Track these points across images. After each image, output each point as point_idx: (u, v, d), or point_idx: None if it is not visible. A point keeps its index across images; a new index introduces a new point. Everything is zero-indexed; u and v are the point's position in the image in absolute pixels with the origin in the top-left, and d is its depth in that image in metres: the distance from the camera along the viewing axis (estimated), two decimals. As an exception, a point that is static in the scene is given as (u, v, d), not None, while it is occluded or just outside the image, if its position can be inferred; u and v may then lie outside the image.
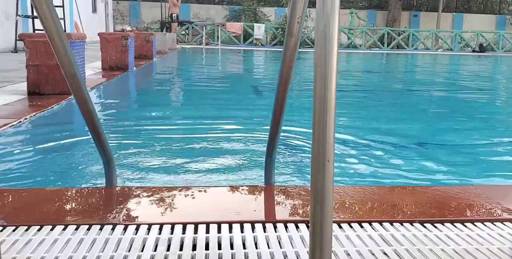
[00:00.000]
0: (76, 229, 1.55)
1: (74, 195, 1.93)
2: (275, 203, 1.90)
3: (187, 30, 21.72)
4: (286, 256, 1.42)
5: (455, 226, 1.65)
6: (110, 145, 1.92)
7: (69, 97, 4.65)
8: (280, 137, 1.97)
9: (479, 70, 13.95)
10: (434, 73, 12.51)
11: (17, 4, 11.06)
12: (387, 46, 23.14)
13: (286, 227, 1.60)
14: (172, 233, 1.54)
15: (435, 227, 1.65)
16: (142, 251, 1.42)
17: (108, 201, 1.89)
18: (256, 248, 1.46)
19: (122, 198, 1.88)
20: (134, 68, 8.73)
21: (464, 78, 11.10)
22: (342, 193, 1.94)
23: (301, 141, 3.58)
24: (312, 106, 0.86)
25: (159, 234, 1.53)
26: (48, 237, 1.49)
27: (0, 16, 11.17)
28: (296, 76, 8.53)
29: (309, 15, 21.33)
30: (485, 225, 1.67)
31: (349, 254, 1.43)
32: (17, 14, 11.04)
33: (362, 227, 1.63)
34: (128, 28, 20.11)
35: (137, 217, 1.67)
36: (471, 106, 6.38)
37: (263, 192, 2.00)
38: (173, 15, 20.23)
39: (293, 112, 4.79)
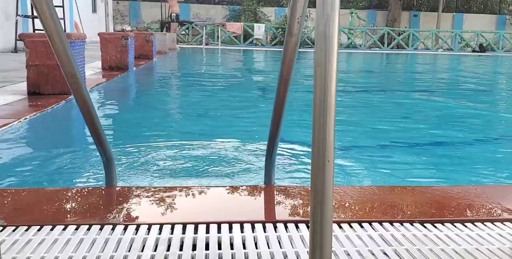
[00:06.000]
0: (76, 229, 1.55)
1: (74, 195, 1.93)
2: (275, 203, 1.90)
3: (187, 30, 21.71)
4: (286, 256, 1.42)
5: (455, 226, 1.65)
6: (110, 145, 1.92)
7: (69, 97, 4.65)
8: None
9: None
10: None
11: (17, 4, 11.05)
12: (387, 46, 23.14)
13: (286, 227, 1.60)
14: (172, 233, 1.54)
15: (435, 227, 1.64)
16: (142, 251, 1.42)
17: (108, 201, 1.89)
18: (256, 248, 1.46)
19: (122, 198, 1.88)
20: (134, 68, 8.72)
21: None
22: (342, 193, 1.94)
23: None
24: (312, 107, 0.86)
25: (159, 234, 1.53)
26: (48, 237, 1.49)
27: (0, 16, 11.17)
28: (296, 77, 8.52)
29: (309, 15, 21.33)
30: (485, 225, 1.67)
31: (349, 254, 1.43)
32: (17, 14, 11.03)
33: (362, 227, 1.63)
34: (128, 28, 20.11)
35: (137, 217, 1.67)
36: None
37: (263, 192, 2.00)
38: (173, 14, 20.21)
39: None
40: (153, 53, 11.13)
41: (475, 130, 4.73)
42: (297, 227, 1.61)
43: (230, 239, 1.51)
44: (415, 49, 23.19)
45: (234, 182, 2.63)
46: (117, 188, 1.99)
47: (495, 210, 1.81)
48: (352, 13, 24.32)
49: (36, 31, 10.69)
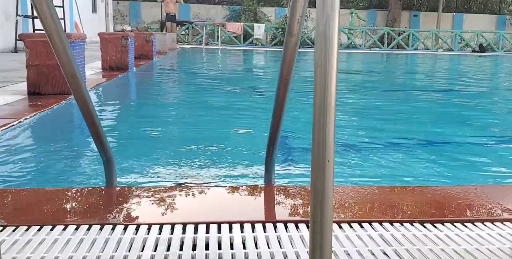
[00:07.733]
0: (76, 229, 1.55)
1: (74, 195, 1.93)
2: (275, 203, 1.90)
3: (187, 30, 21.71)
4: (286, 256, 1.42)
5: (455, 226, 1.65)
6: (110, 145, 1.92)
7: (69, 97, 4.65)
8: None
9: None
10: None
11: (17, 4, 11.05)
12: (387, 46, 23.14)
13: (286, 227, 1.60)
14: (172, 233, 1.54)
15: (435, 227, 1.65)
16: (142, 251, 1.42)
17: (108, 201, 1.89)
18: (256, 248, 1.46)
19: (122, 198, 1.88)
20: (134, 68, 8.72)
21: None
22: (342, 193, 1.94)
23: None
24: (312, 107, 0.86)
25: (159, 234, 1.53)
26: (48, 237, 1.49)
27: (0, 16, 11.16)
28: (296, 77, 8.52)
29: (309, 15, 21.32)
30: (485, 225, 1.67)
31: (349, 254, 1.43)
32: (17, 14, 11.03)
33: (362, 227, 1.63)
34: (128, 28, 20.10)
35: (137, 217, 1.67)
36: None
37: (263, 192, 2.00)
38: (164, 14, 20.11)
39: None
40: (153, 53, 11.13)
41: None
42: (297, 227, 1.61)
43: (230, 239, 1.51)
44: (415, 49, 23.18)
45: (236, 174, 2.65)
46: (117, 188, 1.99)
47: (495, 210, 1.81)
48: (352, 13, 24.32)
49: (36, 31, 10.69)
